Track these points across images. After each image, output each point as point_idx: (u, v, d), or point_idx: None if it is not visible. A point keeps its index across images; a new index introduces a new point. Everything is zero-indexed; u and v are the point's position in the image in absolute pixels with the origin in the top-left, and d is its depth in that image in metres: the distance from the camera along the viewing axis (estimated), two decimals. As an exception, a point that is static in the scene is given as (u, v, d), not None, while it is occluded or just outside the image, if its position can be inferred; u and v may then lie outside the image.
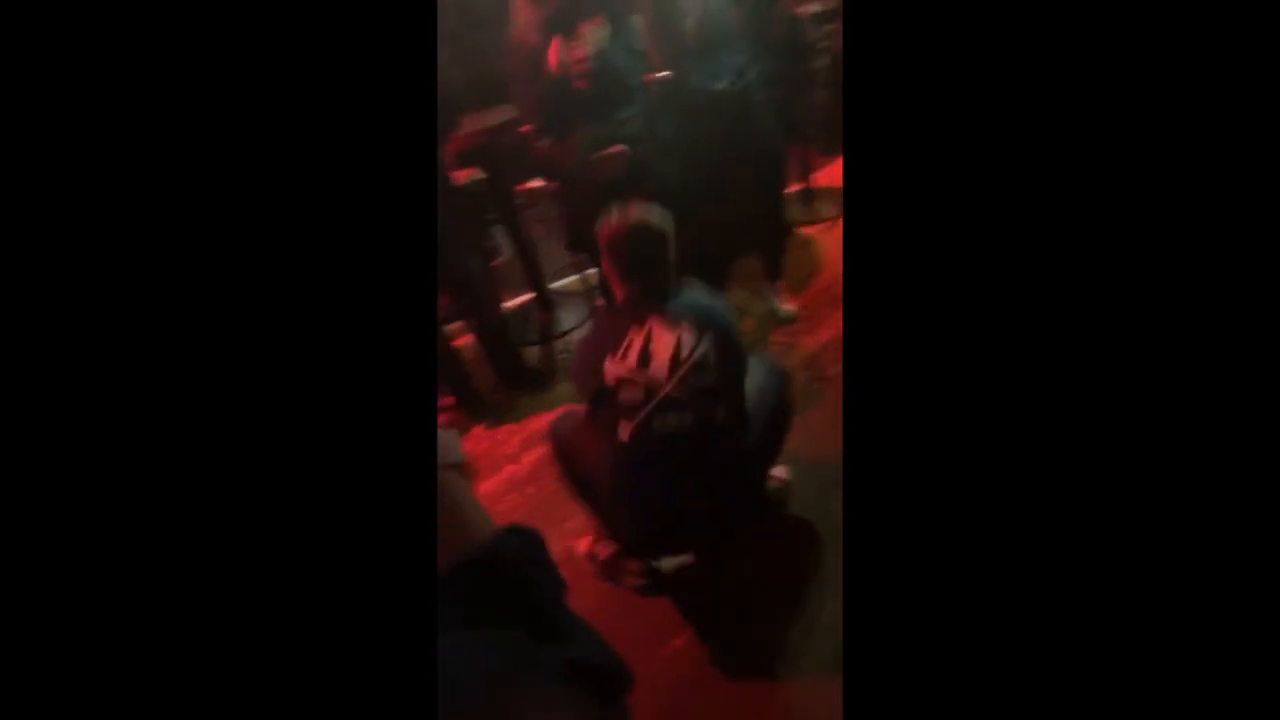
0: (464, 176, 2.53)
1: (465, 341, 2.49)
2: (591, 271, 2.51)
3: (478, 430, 2.28)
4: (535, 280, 2.67)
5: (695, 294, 1.42)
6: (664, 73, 2.17)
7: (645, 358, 1.34)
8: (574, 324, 2.62)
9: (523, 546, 0.63)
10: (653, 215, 1.41)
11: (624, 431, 1.34)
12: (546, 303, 2.71)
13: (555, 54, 1.91)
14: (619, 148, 2.00)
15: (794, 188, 3.04)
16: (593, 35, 1.90)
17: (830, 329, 2.35)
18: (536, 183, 2.29)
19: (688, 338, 1.33)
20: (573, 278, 2.58)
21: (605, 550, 1.64)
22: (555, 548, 1.51)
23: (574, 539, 1.76)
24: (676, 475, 1.34)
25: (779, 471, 1.73)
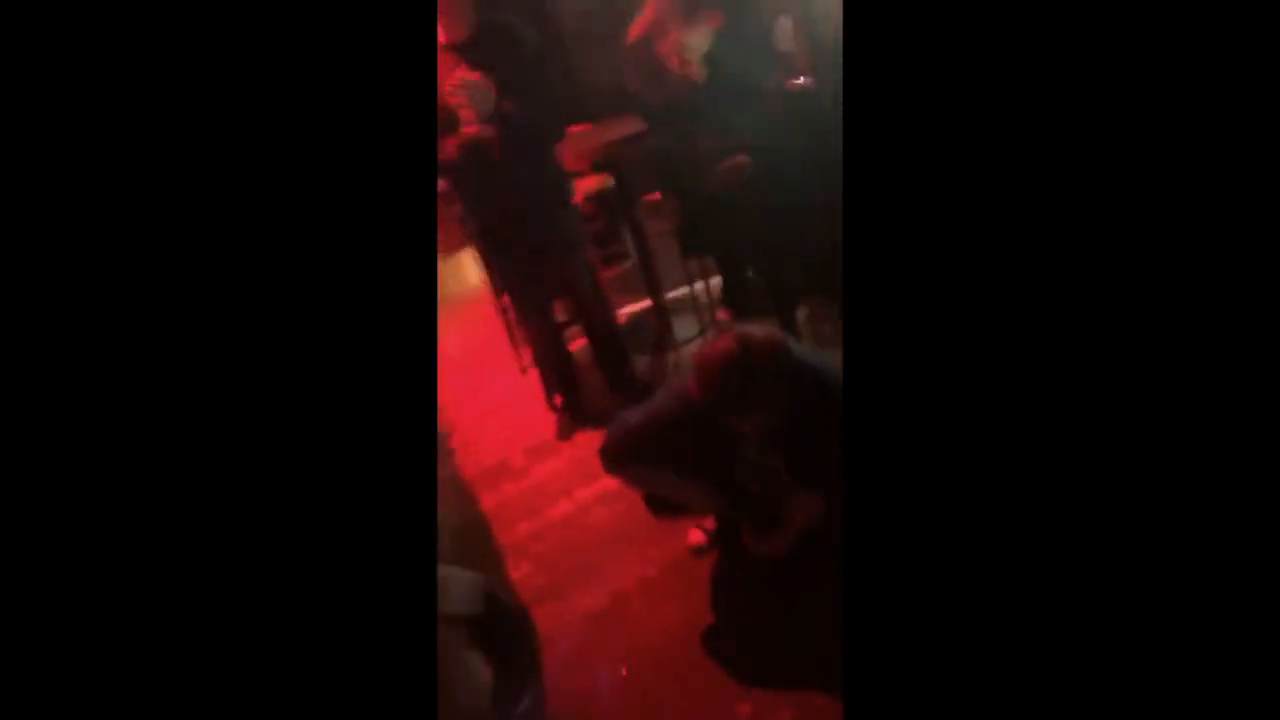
0: (595, 183, 2.56)
1: (579, 346, 2.52)
2: (713, 282, 2.44)
3: (580, 436, 2.30)
4: (653, 288, 2.64)
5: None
6: (803, 79, 2.02)
7: None
8: (689, 336, 2.55)
9: None
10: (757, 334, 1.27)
11: None
12: (663, 311, 2.67)
13: (662, 54, 1.83)
14: (741, 158, 1.89)
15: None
16: (693, 41, 1.79)
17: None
18: (655, 195, 2.25)
19: None
20: (686, 289, 2.51)
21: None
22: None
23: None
24: None
25: None
